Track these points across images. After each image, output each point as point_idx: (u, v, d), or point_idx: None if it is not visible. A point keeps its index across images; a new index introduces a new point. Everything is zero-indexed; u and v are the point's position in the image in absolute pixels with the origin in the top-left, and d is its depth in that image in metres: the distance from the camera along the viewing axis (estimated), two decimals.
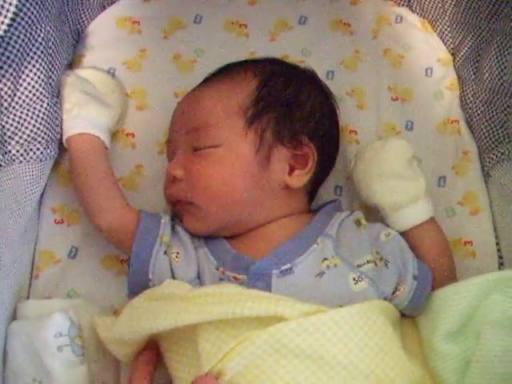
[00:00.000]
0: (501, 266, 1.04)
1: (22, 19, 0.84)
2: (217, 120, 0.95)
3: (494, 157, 1.06)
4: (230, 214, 0.93)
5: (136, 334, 0.82)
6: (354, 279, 0.86)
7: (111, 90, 1.09)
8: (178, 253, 0.93)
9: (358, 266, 0.88)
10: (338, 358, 0.76)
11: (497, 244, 1.05)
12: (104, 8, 1.21)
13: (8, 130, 0.91)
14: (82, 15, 1.16)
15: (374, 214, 1.01)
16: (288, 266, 0.87)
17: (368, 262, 0.89)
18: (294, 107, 0.97)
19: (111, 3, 1.22)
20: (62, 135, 1.01)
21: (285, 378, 0.74)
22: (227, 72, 1.02)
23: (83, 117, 1.01)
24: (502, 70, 1.01)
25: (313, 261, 0.88)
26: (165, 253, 0.92)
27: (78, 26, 1.17)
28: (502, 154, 1.04)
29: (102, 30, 1.19)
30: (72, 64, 1.15)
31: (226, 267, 0.90)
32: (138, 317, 0.82)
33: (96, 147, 1.01)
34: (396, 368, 0.79)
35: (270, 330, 0.75)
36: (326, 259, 0.88)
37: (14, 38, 0.84)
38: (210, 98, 0.97)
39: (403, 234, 0.95)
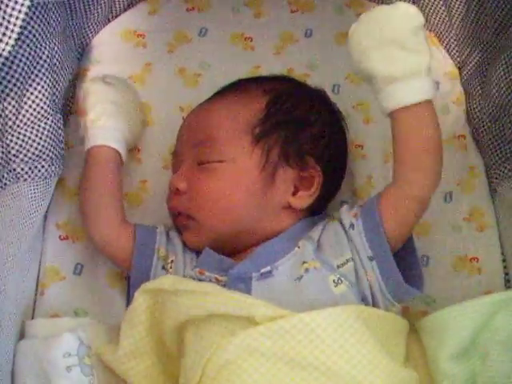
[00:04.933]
0: (507, 283, 1.04)
1: (27, 37, 0.84)
2: (224, 135, 0.94)
3: (501, 173, 1.05)
4: (228, 230, 0.94)
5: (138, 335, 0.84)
6: (333, 281, 0.86)
7: (133, 100, 1.09)
8: (172, 261, 0.94)
9: (338, 266, 0.88)
10: (309, 359, 0.76)
11: (503, 261, 1.05)
12: (109, 21, 1.21)
13: (13, 148, 0.90)
14: (87, 29, 1.16)
15: None
16: (268, 268, 0.88)
17: (348, 260, 0.88)
18: (302, 128, 0.97)
19: (116, 16, 1.22)
20: (64, 151, 1.00)
21: (259, 380, 0.75)
22: (238, 88, 1.02)
23: (107, 128, 1.01)
24: (509, 86, 1.00)
25: (293, 264, 0.88)
26: (163, 267, 0.94)
27: (83, 40, 1.16)
28: (509, 170, 1.03)
29: (107, 43, 1.19)
30: (76, 78, 1.14)
31: (205, 268, 0.90)
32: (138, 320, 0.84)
33: (112, 161, 1.01)
34: (376, 371, 0.78)
35: (241, 335, 0.77)
36: (305, 262, 0.88)
37: (19, 56, 0.83)
38: (219, 112, 0.97)
39: (391, 115, 0.86)
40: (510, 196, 1.03)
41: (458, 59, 1.19)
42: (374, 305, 0.88)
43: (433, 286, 1.00)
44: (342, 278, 0.86)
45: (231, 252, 0.94)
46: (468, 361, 0.86)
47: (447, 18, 1.16)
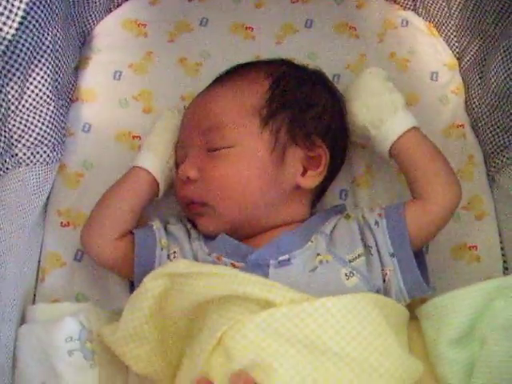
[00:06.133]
0: (505, 270, 1.05)
1: (30, 23, 0.84)
2: (231, 120, 0.95)
3: (500, 162, 1.06)
4: (244, 214, 0.94)
5: (139, 320, 0.83)
6: (345, 274, 0.87)
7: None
8: (175, 252, 0.94)
9: (350, 261, 0.89)
10: (329, 344, 0.76)
11: (501, 249, 1.06)
12: (110, 10, 1.21)
13: (15, 133, 0.91)
14: (89, 18, 1.16)
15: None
16: (286, 256, 0.89)
17: (359, 255, 0.90)
18: (306, 107, 0.98)
19: (117, 6, 1.22)
20: (64, 137, 1.01)
21: (278, 360, 0.75)
22: (239, 72, 1.03)
23: (159, 155, 1.02)
24: (508, 76, 1.01)
25: (308, 256, 0.89)
26: (168, 257, 0.94)
27: (85, 29, 1.17)
28: (508, 158, 1.04)
29: (108, 32, 1.19)
30: (78, 67, 1.15)
31: (222, 254, 0.90)
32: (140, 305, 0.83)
33: (145, 188, 1.01)
34: (390, 358, 0.78)
35: (263, 314, 0.77)
36: (319, 254, 0.89)
37: (22, 41, 0.84)
38: (224, 98, 0.98)
39: (392, 150, 0.98)
40: (508, 184, 1.04)
41: (457, 49, 1.19)
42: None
43: (432, 274, 1.00)
44: (354, 271, 0.88)
45: (246, 236, 0.95)
46: (467, 346, 0.87)
47: (446, 8, 1.17)
